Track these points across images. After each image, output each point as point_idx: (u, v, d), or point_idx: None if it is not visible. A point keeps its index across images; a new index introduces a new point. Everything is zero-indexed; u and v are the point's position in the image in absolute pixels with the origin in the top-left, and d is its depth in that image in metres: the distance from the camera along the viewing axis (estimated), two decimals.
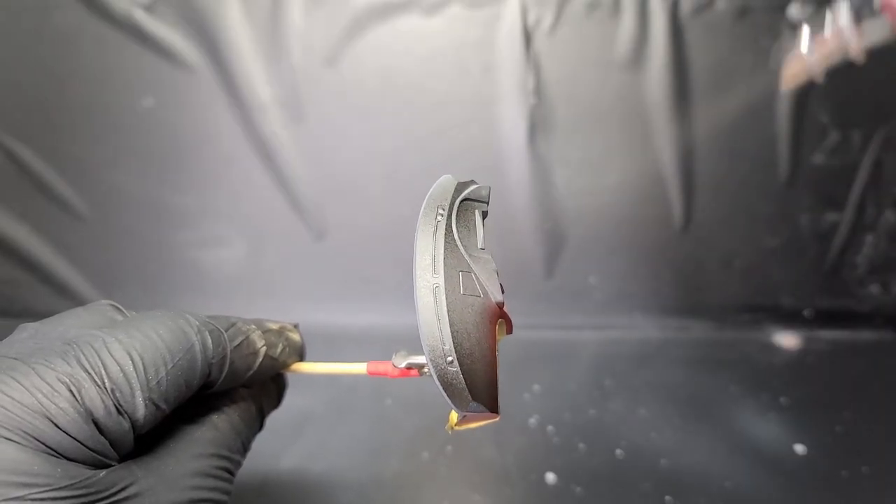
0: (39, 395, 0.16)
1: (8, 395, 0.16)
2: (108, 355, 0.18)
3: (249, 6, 0.52)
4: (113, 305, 0.22)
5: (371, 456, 0.43)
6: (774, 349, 0.59)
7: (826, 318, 0.62)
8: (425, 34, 0.54)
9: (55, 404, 0.16)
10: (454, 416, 0.22)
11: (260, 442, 0.43)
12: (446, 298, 0.19)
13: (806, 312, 0.62)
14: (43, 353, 0.17)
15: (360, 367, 0.25)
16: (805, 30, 0.24)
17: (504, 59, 0.54)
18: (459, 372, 0.19)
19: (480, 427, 0.22)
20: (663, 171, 0.58)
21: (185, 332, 0.20)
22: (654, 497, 0.40)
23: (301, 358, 0.26)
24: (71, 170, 0.57)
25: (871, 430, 0.47)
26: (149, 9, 0.52)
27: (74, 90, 0.54)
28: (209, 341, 0.20)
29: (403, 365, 0.23)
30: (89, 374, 0.17)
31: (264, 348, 0.23)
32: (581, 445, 0.44)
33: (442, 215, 0.20)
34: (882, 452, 0.44)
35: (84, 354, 0.17)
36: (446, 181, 0.22)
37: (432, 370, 0.19)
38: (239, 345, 0.22)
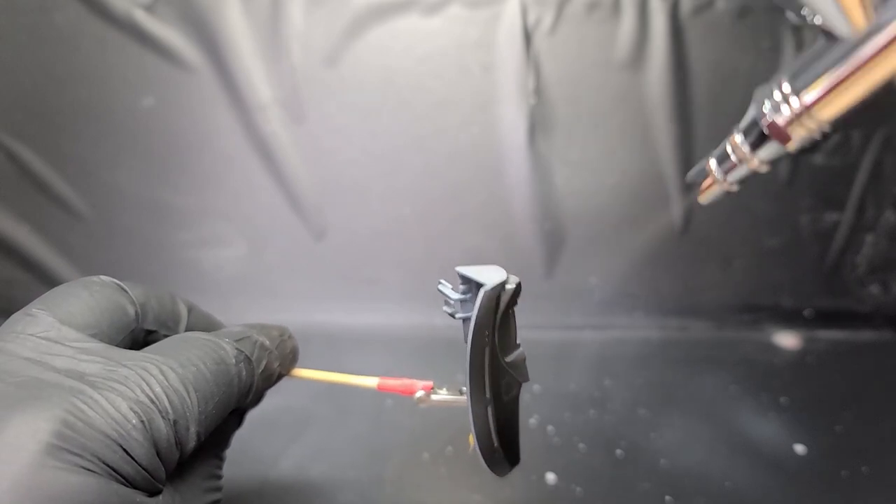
0: (114, 424, 0.16)
1: (86, 424, 0.16)
2: (169, 386, 0.18)
3: (249, 6, 0.52)
4: (118, 285, 0.21)
5: (371, 456, 0.43)
6: (774, 349, 0.59)
7: (826, 318, 0.62)
8: (425, 34, 0.54)
9: (131, 435, 0.16)
10: (473, 439, 0.24)
11: (260, 442, 0.43)
12: (495, 411, 0.22)
13: (806, 312, 0.62)
14: (103, 376, 0.17)
15: (370, 382, 0.25)
16: (712, 160, 0.27)
17: (504, 60, 0.54)
18: (503, 457, 0.23)
19: None
20: (663, 171, 0.58)
21: (226, 365, 0.20)
22: (654, 497, 0.40)
23: (296, 361, 0.26)
24: (71, 169, 0.57)
25: (872, 429, 0.47)
26: (149, 9, 0.52)
27: (74, 90, 0.54)
28: (244, 373, 0.21)
29: (424, 406, 0.25)
30: (154, 404, 0.17)
31: (279, 368, 0.23)
32: (581, 445, 0.44)
33: (488, 338, 0.22)
34: (882, 452, 0.44)
35: (146, 383, 0.17)
36: (489, 300, 0.22)
37: (482, 461, 0.23)
38: (262, 370, 0.22)
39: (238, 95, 0.55)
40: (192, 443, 0.18)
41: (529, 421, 0.47)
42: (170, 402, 0.17)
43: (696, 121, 0.56)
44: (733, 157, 0.25)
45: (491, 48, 0.54)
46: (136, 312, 0.21)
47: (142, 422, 0.17)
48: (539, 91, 0.55)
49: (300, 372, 0.26)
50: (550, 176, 0.58)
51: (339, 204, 0.59)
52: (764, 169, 0.25)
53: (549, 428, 0.46)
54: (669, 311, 0.62)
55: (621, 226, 0.59)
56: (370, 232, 0.60)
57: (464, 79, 0.55)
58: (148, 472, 0.17)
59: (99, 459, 0.16)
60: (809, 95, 0.21)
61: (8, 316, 0.20)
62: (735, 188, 0.27)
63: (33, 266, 0.58)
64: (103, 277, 0.22)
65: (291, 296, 0.61)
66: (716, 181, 0.27)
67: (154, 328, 0.22)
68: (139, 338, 0.22)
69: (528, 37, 0.53)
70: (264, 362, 0.22)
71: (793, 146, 0.23)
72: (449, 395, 0.25)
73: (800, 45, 0.54)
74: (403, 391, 0.25)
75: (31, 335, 0.18)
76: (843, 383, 0.53)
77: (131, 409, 0.17)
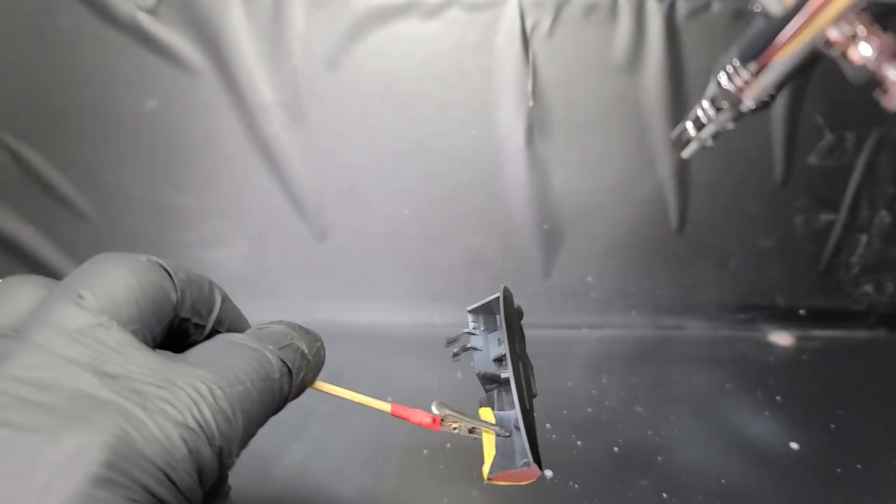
0: (164, 454, 0.15)
1: (136, 452, 0.15)
2: (218, 409, 0.17)
3: (252, 9, 0.53)
4: (163, 268, 0.20)
5: (372, 453, 0.43)
6: (770, 348, 0.60)
7: (820, 318, 0.63)
8: (425, 37, 0.54)
9: (179, 465, 0.16)
10: (487, 469, 0.25)
11: (263, 439, 0.43)
12: (524, 402, 0.25)
13: (801, 312, 0.63)
14: (153, 394, 0.16)
15: (383, 406, 0.25)
16: (688, 123, 0.33)
17: (503, 63, 0.55)
18: (535, 452, 0.24)
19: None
20: (659, 172, 0.58)
21: (271, 381, 0.19)
22: (650, 493, 0.40)
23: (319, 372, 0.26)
24: (75, 171, 0.57)
25: (865, 427, 0.47)
26: (152, 11, 0.53)
27: (79, 92, 0.55)
28: (285, 387, 0.20)
29: (443, 428, 0.26)
30: (203, 430, 0.16)
31: (312, 378, 0.22)
32: (578, 442, 0.45)
33: (516, 326, 0.26)
34: (875, 449, 0.45)
35: (196, 405, 0.17)
36: (508, 292, 0.27)
37: (526, 441, 0.24)
38: (299, 382, 0.21)
39: (240, 97, 0.55)
40: (232, 466, 0.18)
41: None
42: (217, 426, 0.17)
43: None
44: (703, 119, 0.31)
45: (490, 51, 0.54)
46: (177, 299, 0.20)
47: (189, 451, 0.16)
48: (537, 93, 0.55)
49: (321, 385, 0.25)
50: (548, 177, 0.58)
51: (340, 205, 0.59)
52: (730, 125, 0.30)
53: (547, 425, 0.47)
54: (665, 311, 0.63)
55: (618, 226, 0.60)
56: (371, 232, 0.60)
57: (463, 82, 0.55)
58: (189, 501, 0.16)
59: (146, 490, 0.15)
60: (753, 65, 0.27)
61: None
62: (710, 143, 0.32)
63: (38, 266, 0.59)
64: (151, 258, 0.20)
65: (293, 295, 0.61)
66: (693, 138, 0.33)
67: (188, 316, 0.21)
68: (174, 324, 0.20)
69: (526, 40, 0.54)
70: (302, 374, 0.21)
71: (745, 107, 0.29)
72: (462, 417, 0.25)
73: None
74: (414, 422, 0.25)
75: (77, 331, 0.17)
76: (837, 381, 0.53)
77: (181, 436, 0.16)
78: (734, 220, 0.61)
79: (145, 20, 0.53)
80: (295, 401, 0.28)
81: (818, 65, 0.26)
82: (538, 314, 0.62)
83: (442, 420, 0.25)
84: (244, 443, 0.18)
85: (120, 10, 0.53)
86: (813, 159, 0.59)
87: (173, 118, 0.56)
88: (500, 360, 0.27)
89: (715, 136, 0.32)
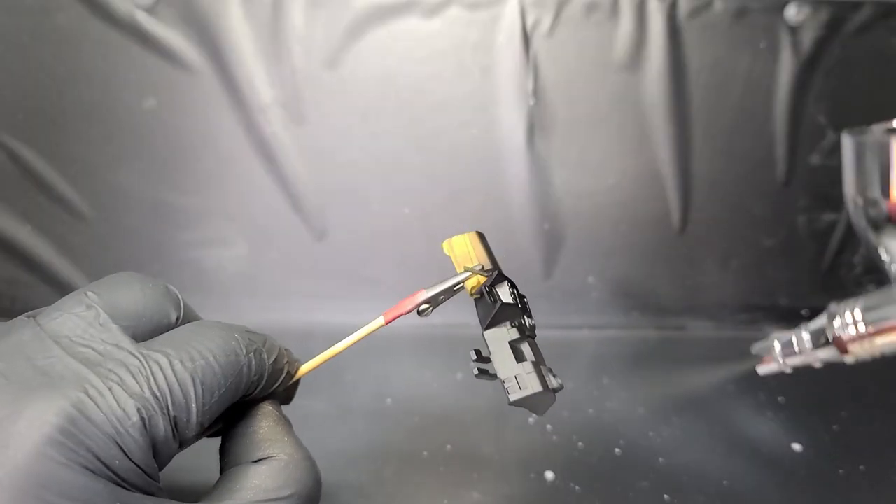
0: (115, 422, 0.17)
1: (87, 418, 0.16)
2: (175, 380, 0.18)
3: (250, 8, 0.53)
4: (176, 296, 0.22)
5: (370, 454, 0.43)
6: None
7: None
8: (425, 36, 0.54)
9: (129, 433, 0.17)
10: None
11: None
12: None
13: (803, 312, 0.63)
14: (114, 365, 0.18)
15: (378, 323, 0.26)
16: (776, 343, 0.31)
17: (503, 61, 0.54)
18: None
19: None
20: (661, 171, 0.58)
21: (236, 356, 0.20)
22: (652, 495, 0.40)
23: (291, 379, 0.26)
24: (73, 170, 0.57)
25: (869, 428, 0.47)
26: (150, 10, 0.53)
27: (76, 91, 0.55)
28: (253, 363, 0.21)
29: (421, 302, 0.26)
30: (158, 400, 0.18)
31: (287, 363, 0.24)
32: (580, 444, 0.45)
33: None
34: (879, 451, 0.44)
35: (153, 376, 0.18)
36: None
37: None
38: (273, 361, 0.22)
39: (239, 97, 0.55)
40: (192, 433, 0.19)
41: (528, 420, 0.47)
42: (172, 396, 0.18)
43: (693, 121, 0.57)
44: (796, 348, 0.30)
45: (490, 50, 0.54)
46: (177, 320, 0.22)
47: (142, 419, 0.17)
48: (538, 92, 0.55)
49: (308, 365, 0.26)
50: (549, 176, 0.58)
51: (340, 204, 0.59)
52: (818, 365, 0.29)
53: (548, 426, 0.46)
54: (667, 311, 0.62)
55: (619, 226, 0.60)
56: (370, 232, 0.60)
57: (463, 80, 0.55)
58: (142, 470, 0.17)
59: (95, 456, 0.16)
60: (874, 328, 0.26)
61: (9, 316, 0.21)
62: (789, 370, 0.31)
63: (35, 266, 0.59)
64: (169, 286, 0.22)
65: (292, 295, 0.61)
66: (774, 361, 0.32)
67: None
68: None
69: (527, 38, 0.54)
70: (275, 354, 0.23)
71: (849, 359, 0.28)
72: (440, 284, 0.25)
73: (797, 46, 0.55)
74: (409, 310, 0.26)
75: (69, 315, 0.19)
76: (840, 383, 0.53)
77: (136, 406, 0.17)
78: (736, 219, 0.61)
79: (144, 19, 0.53)
80: (292, 403, 0.28)
81: None
82: (539, 315, 0.61)
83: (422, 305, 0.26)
84: (209, 416, 0.19)
85: (118, 9, 0.52)
86: (815, 159, 0.59)
87: (172, 117, 0.56)
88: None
89: (795, 368, 0.31)
